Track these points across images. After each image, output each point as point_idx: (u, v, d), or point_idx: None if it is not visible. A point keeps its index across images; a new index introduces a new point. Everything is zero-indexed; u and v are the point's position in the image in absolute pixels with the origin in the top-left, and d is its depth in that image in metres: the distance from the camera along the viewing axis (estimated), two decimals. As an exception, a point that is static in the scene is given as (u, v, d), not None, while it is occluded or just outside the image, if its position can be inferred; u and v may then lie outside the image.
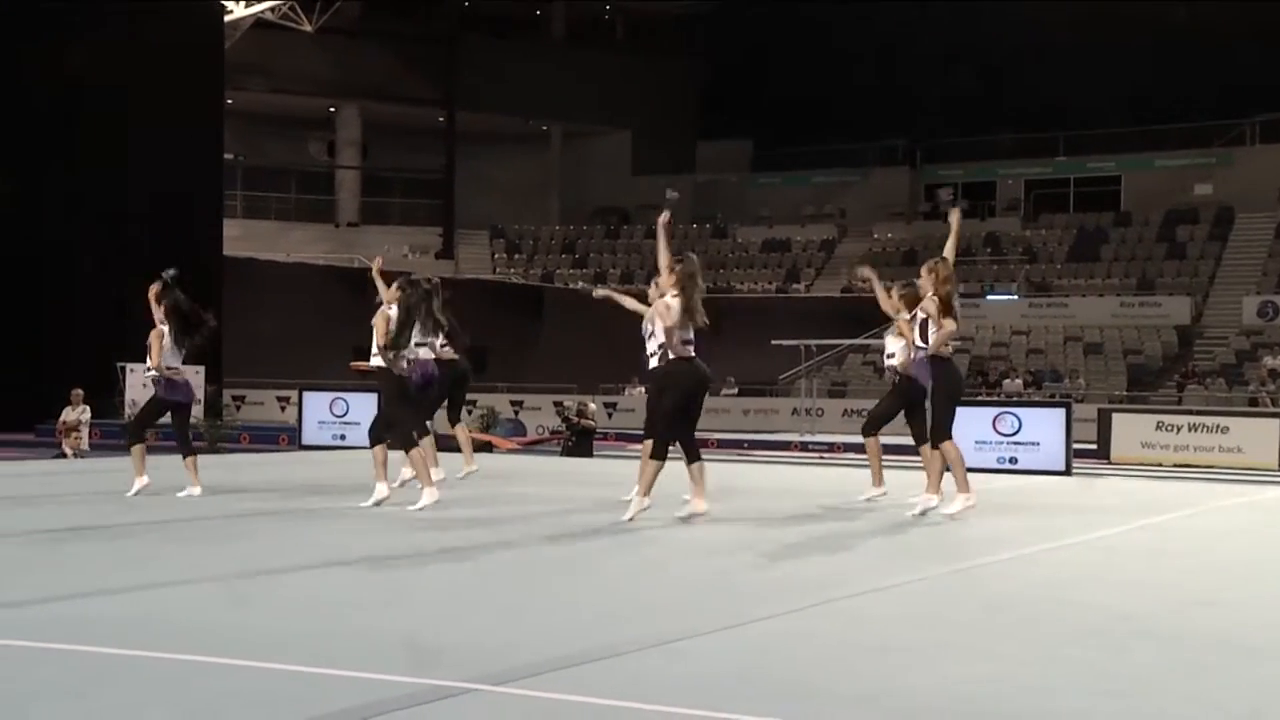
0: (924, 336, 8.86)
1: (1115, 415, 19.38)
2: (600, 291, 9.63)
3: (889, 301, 9.66)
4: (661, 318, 8.25)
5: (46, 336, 22.57)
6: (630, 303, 9.12)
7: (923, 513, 9.02)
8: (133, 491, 9.78)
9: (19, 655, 4.25)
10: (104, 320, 21.42)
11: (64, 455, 18.73)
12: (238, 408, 26.94)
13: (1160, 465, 17.57)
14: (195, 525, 8.16)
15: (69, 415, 20.01)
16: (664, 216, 8.71)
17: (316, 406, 18.63)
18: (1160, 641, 4.90)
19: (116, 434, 20.91)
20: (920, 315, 8.91)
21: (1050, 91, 43.56)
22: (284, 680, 4.00)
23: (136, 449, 10.09)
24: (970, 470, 14.68)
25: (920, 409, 9.51)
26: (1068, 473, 15.00)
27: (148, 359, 9.92)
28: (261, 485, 11.16)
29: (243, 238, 37.85)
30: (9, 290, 22.63)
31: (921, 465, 9.66)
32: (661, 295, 8.40)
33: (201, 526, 8.11)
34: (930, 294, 8.82)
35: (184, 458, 10.12)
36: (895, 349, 9.78)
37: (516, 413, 27.48)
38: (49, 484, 11.54)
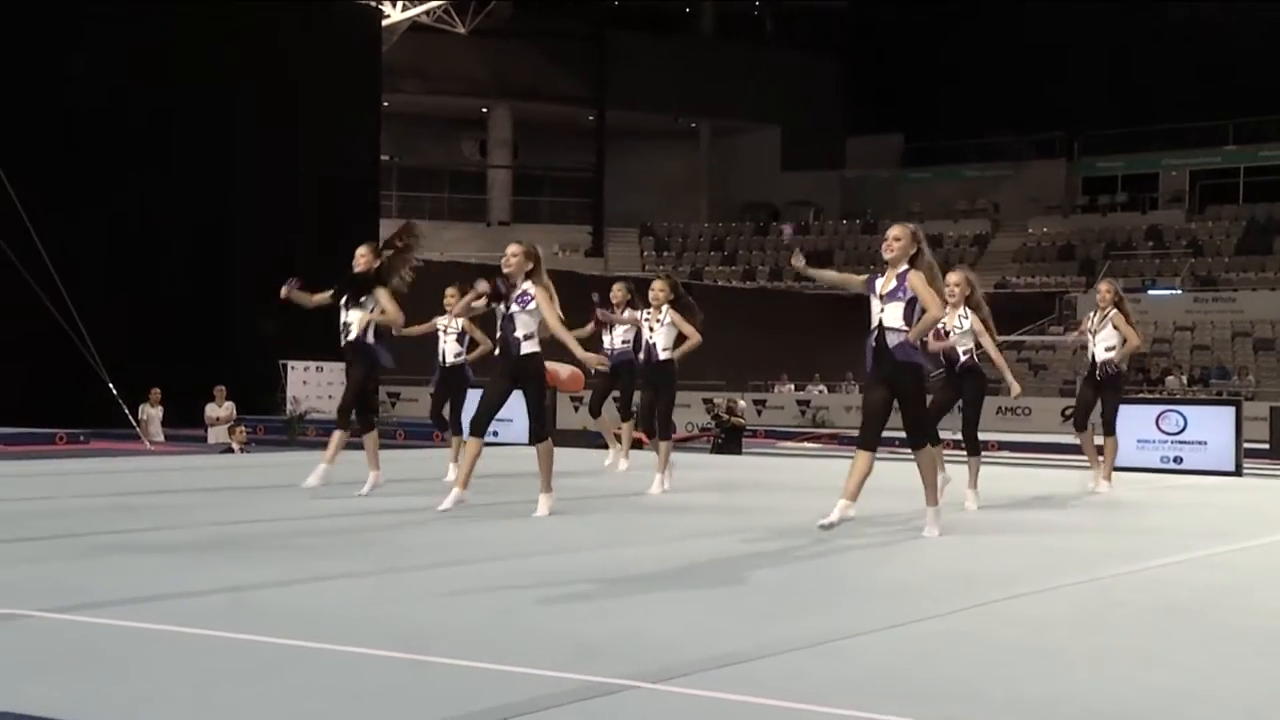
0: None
1: (1289, 413, 18.65)
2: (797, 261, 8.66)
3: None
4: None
5: (210, 335, 23.26)
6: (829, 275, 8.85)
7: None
8: (366, 489, 9.56)
9: (202, 643, 4.41)
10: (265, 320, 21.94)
11: (231, 451, 19.41)
12: (393, 404, 27.52)
13: (1338, 466, 16.83)
14: (356, 520, 8.35)
15: (213, 411, 20.99)
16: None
17: (469, 404, 18.90)
18: (1346, 651, 4.68)
19: (280, 429, 21.63)
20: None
21: (1218, 76, 41.87)
22: (442, 674, 4.06)
23: (369, 436, 9.68)
24: (1133, 470, 14.49)
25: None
26: (1238, 473, 14.47)
27: (384, 314, 9.38)
28: (418, 480, 11.37)
29: (399, 238, 38.69)
30: (174, 291, 23.25)
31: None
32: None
33: (361, 521, 8.29)
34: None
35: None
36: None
37: (666, 410, 27.48)
38: (222, 478, 11.95)
